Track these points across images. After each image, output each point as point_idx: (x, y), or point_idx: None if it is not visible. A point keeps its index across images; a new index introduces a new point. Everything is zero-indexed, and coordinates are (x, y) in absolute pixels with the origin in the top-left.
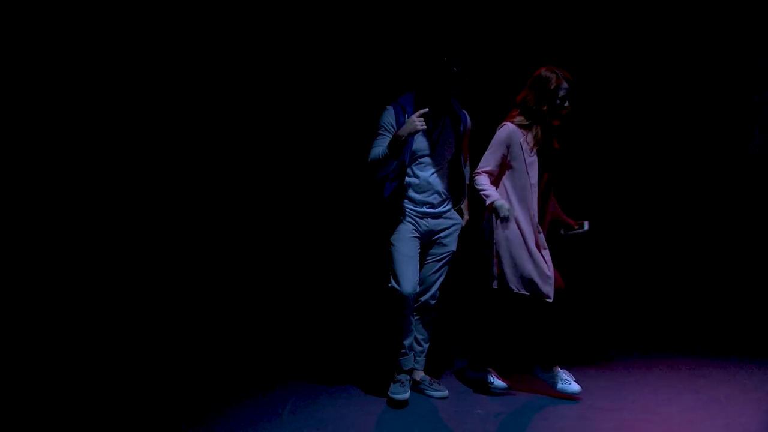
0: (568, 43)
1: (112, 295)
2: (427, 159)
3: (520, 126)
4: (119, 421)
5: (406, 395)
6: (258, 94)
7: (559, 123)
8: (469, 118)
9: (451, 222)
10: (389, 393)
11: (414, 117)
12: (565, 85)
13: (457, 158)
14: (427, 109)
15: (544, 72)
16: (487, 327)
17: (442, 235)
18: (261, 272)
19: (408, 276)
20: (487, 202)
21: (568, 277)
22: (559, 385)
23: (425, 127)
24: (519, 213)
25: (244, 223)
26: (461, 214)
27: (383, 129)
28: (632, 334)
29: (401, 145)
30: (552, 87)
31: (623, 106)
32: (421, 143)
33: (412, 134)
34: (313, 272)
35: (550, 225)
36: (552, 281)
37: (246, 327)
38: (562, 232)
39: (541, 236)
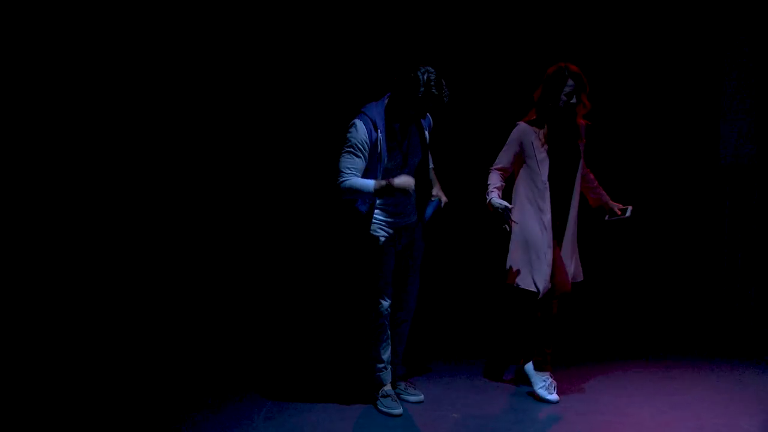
0: (541, 43)
1: (88, 298)
2: (398, 172)
3: (532, 124)
4: (90, 428)
5: (401, 409)
6: (253, 95)
7: (583, 121)
8: (430, 117)
9: (419, 229)
10: (384, 409)
11: (411, 179)
12: (570, 81)
13: (424, 162)
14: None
15: (553, 68)
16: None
17: (412, 243)
18: (237, 278)
19: (386, 292)
20: (487, 201)
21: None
22: (539, 390)
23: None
24: (528, 210)
25: (222, 226)
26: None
27: (356, 148)
28: (607, 336)
29: (389, 193)
30: (557, 83)
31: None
32: (394, 160)
33: (406, 190)
34: (289, 279)
35: (596, 211)
36: (545, 279)
37: (221, 332)
38: (606, 218)
39: (568, 235)
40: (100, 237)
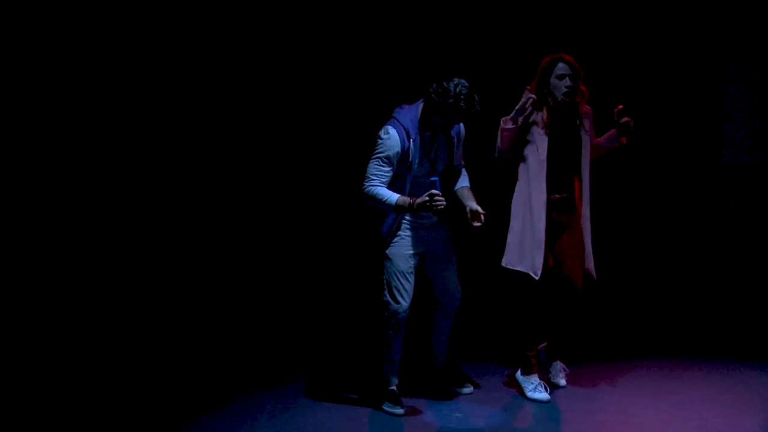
0: (543, 43)
1: (92, 297)
2: (424, 177)
3: (533, 106)
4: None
5: (403, 409)
6: (255, 95)
7: (588, 107)
8: (462, 126)
9: (445, 226)
10: (388, 409)
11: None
12: (560, 67)
13: (450, 167)
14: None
15: (546, 58)
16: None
17: (439, 239)
18: (240, 277)
19: (405, 292)
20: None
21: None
22: (528, 393)
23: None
24: (524, 191)
25: (230, 223)
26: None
27: (386, 156)
28: (609, 336)
29: (410, 211)
30: (547, 69)
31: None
32: (422, 168)
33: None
34: (292, 278)
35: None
36: (538, 259)
37: (224, 332)
38: (624, 141)
39: (584, 227)
40: (101, 237)
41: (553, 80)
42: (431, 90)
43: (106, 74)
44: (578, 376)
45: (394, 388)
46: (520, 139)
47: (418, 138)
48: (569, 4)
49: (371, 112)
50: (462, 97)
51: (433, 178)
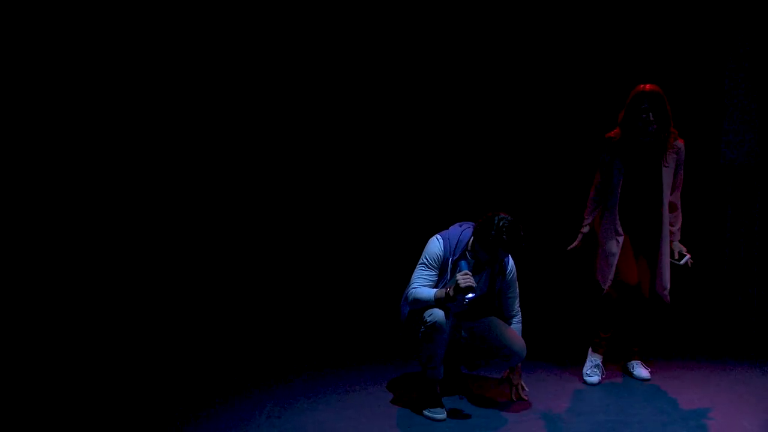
0: (548, 47)
1: (92, 297)
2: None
3: (616, 139)
4: (92, 428)
5: (444, 414)
6: (259, 94)
7: (681, 141)
8: (512, 264)
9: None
10: (429, 414)
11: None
12: (643, 103)
13: (488, 299)
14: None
15: (632, 92)
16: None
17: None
18: (238, 277)
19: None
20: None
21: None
22: (584, 369)
23: (474, 284)
24: (607, 218)
25: (231, 222)
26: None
27: (428, 262)
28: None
29: (450, 301)
30: (632, 104)
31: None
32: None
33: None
34: (292, 277)
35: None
36: (609, 278)
37: (223, 332)
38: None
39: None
40: (100, 237)
41: (642, 118)
42: (479, 222)
43: (106, 74)
44: (577, 376)
45: (437, 390)
46: (607, 178)
47: (460, 260)
48: (569, 3)
49: (370, 113)
50: (504, 230)
51: (461, 261)
